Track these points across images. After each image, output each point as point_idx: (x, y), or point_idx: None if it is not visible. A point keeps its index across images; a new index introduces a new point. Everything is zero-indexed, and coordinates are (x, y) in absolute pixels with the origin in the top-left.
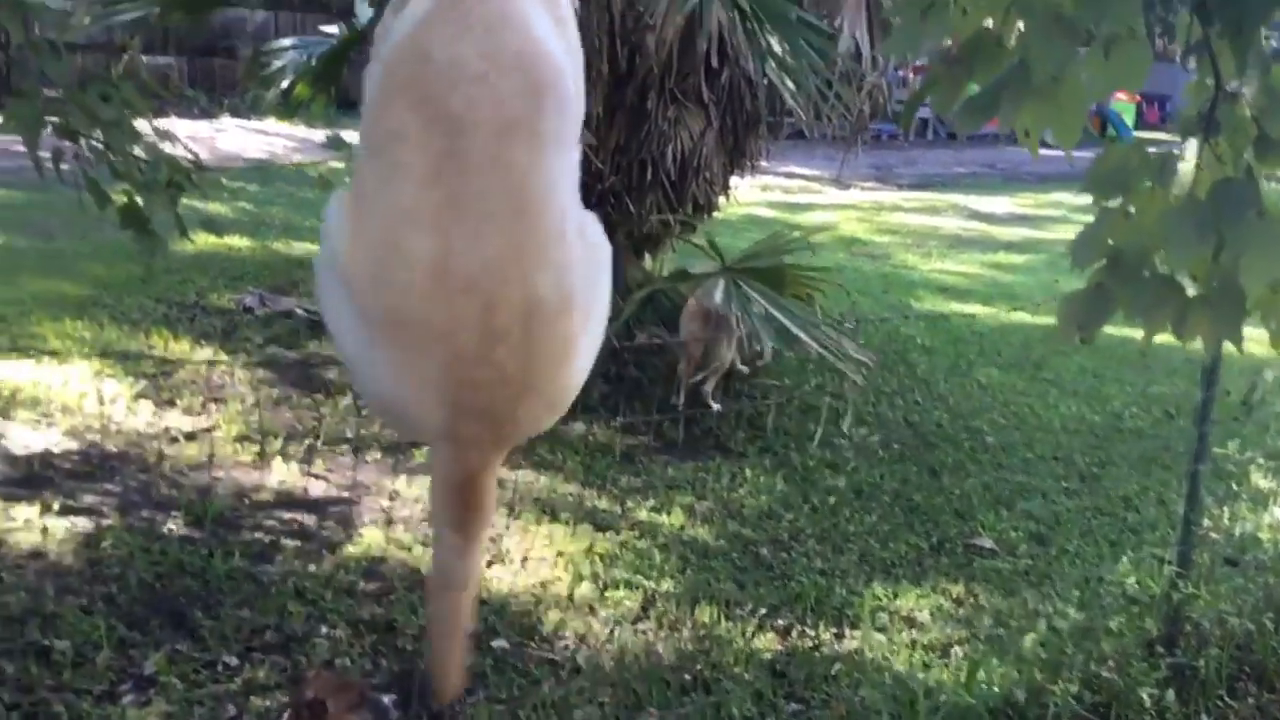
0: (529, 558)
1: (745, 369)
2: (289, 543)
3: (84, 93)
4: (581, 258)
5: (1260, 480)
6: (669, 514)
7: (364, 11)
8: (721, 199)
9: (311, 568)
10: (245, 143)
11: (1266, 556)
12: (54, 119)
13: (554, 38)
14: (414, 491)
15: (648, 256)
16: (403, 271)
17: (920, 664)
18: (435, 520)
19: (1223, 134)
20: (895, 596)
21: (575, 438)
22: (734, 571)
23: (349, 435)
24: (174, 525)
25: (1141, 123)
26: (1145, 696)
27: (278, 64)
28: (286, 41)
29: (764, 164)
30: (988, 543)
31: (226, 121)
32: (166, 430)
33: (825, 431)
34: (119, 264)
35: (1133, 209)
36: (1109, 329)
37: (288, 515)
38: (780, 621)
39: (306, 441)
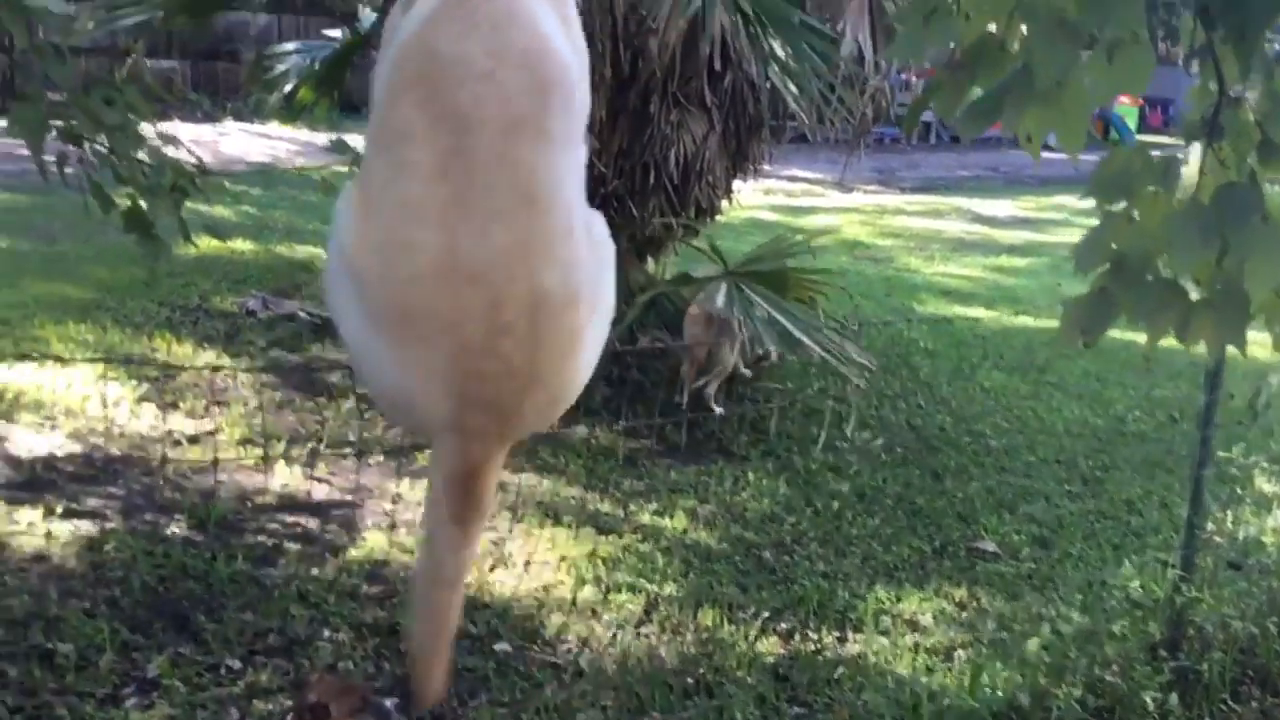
0: (531, 561)
1: (748, 372)
2: (292, 546)
3: (88, 97)
4: (588, 255)
5: (1264, 484)
6: (671, 517)
7: (367, 16)
8: (724, 202)
9: (314, 571)
10: (248, 146)
11: (1270, 560)
12: (58, 123)
13: (560, 35)
14: (417, 495)
15: (650, 260)
16: (409, 265)
17: (923, 667)
18: (432, 515)
19: (1226, 139)
20: (898, 600)
21: (578, 441)
22: (737, 575)
23: (352, 439)
24: (177, 528)
25: (1144, 126)
26: (1149, 700)
27: (281, 68)
28: (290, 45)
29: (767, 167)
30: (990, 546)
31: (229, 125)
32: (169, 433)
33: (828, 435)
34: (122, 267)
35: (1136, 213)
36: (1112, 332)
37: (291, 519)
38: (783, 625)
39: (309, 445)
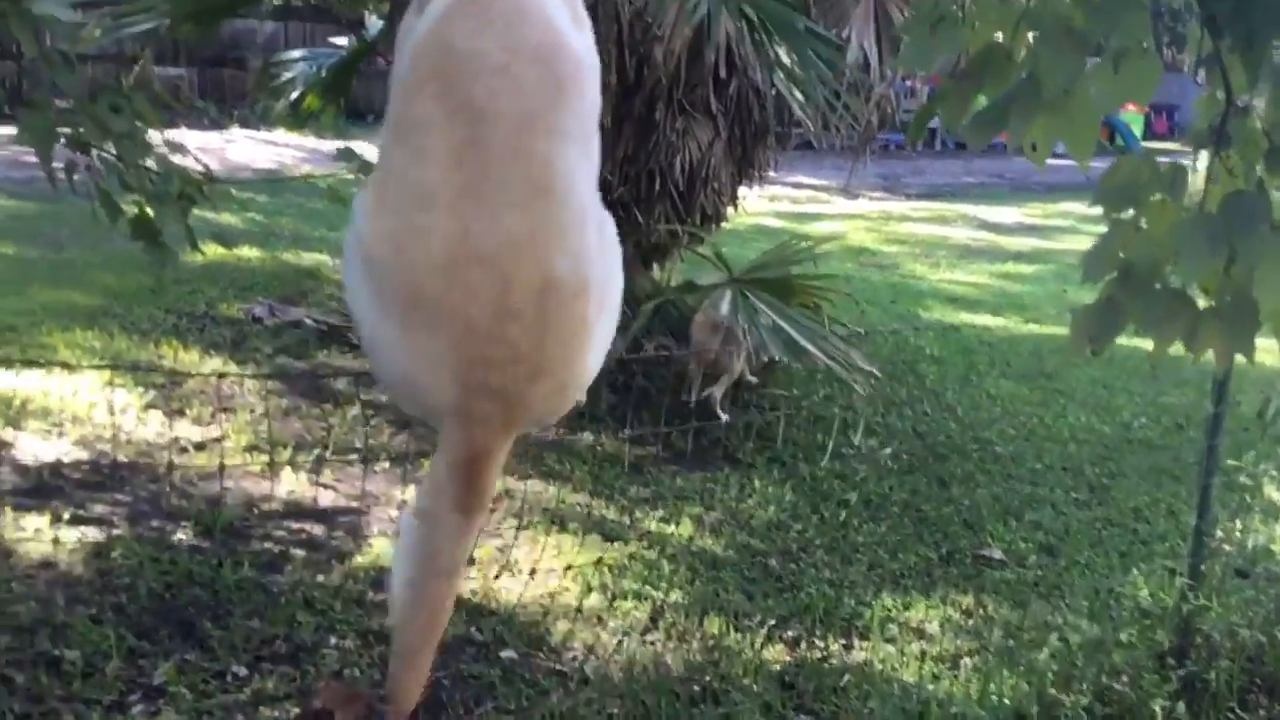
0: (537, 568)
1: (754, 379)
2: (298, 553)
3: (95, 104)
4: (599, 252)
5: (1273, 492)
6: (677, 525)
7: (373, 23)
8: (730, 209)
9: (320, 578)
10: (255, 153)
11: (1278, 568)
12: (66, 130)
13: (572, 30)
14: None
15: (656, 267)
16: (421, 249)
17: (930, 675)
18: (434, 502)
19: (1234, 147)
20: (905, 608)
21: (583, 448)
22: (743, 582)
23: (358, 445)
24: (183, 535)
25: (1150, 133)
26: (1157, 709)
27: (287, 75)
28: (296, 53)
29: (772, 174)
30: (997, 554)
31: (236, 132)
32: (176, 440)
33: (835, 442)
34: (129, 274)
35: (1144, 222)
36: (1119, 340)
37: (297, 525)
38: (789, 633)
39: (315, 451)
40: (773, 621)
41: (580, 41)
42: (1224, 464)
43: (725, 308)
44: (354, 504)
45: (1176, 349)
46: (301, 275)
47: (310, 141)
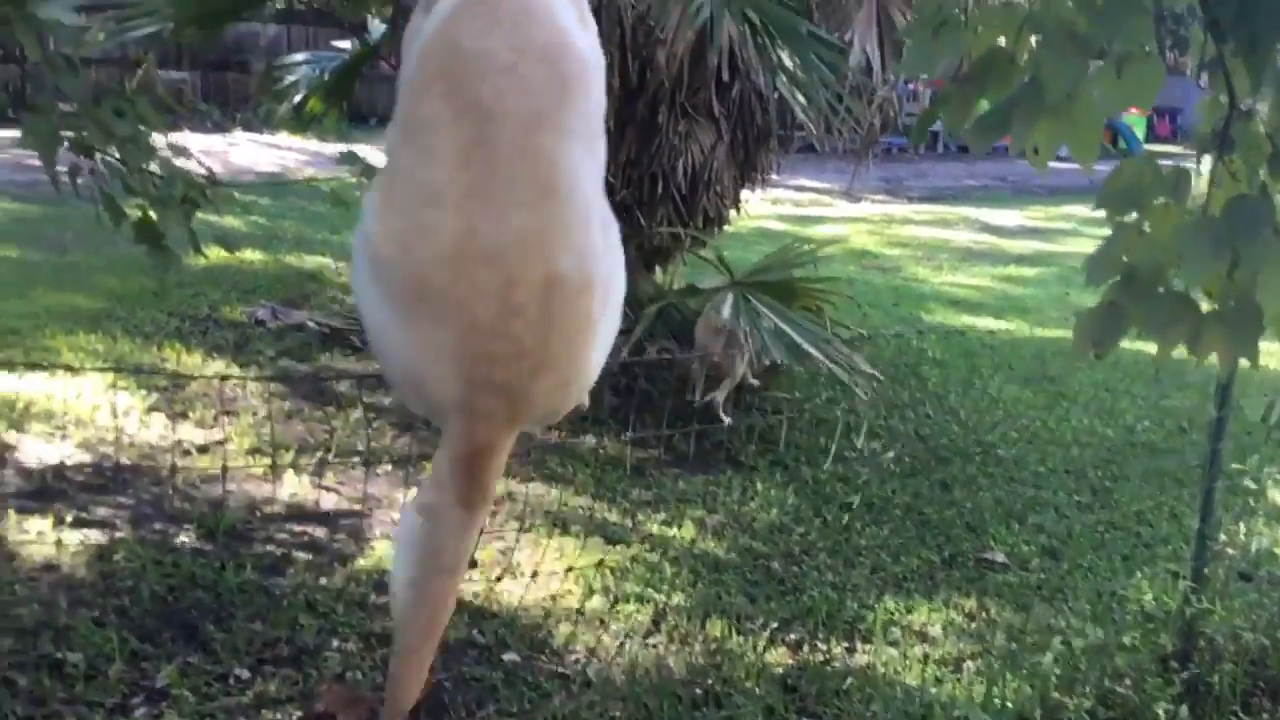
0: (539, 571)
1: (756, 382)
2: (301, 556)
3: (99, 108)
4: (604, 249)
5: (1277, 496)
6: (680, 527)
7: (376, 27)
8: (732, 212)
9: (323, 581)
10: (257, 156)
11: None
12: (69, 134)
13: (578, 30)
14: None
15: (658, 270)
16: (427, 246)
17: (932, 679)
18: (436, 497)
19: (1237, 151)
20: (907, 611)
21: (586, 451)
22: (745, 585)
23: (360, 448)
24: (186, 538)
25: (1152, 135)
26: (1160, 712)
27: (290, 78)
28: (299, 56)
29: (774, 177)
30: (1000, 557)
31: (239, 135)
32: (179, 443)
33: (837, 445)
34: (132, 278)
35: (1147, 226)
36: (1121, 343)
37: (299, 528)
38: (792, 636)
39: (318, 454)
40: (775, 624)
41: (586, 41)
42: (1227, 468)
43: (727, 311)
44: (356, 507)
45: (1180, 352)
46: (304, 278)
47: (313, 145)
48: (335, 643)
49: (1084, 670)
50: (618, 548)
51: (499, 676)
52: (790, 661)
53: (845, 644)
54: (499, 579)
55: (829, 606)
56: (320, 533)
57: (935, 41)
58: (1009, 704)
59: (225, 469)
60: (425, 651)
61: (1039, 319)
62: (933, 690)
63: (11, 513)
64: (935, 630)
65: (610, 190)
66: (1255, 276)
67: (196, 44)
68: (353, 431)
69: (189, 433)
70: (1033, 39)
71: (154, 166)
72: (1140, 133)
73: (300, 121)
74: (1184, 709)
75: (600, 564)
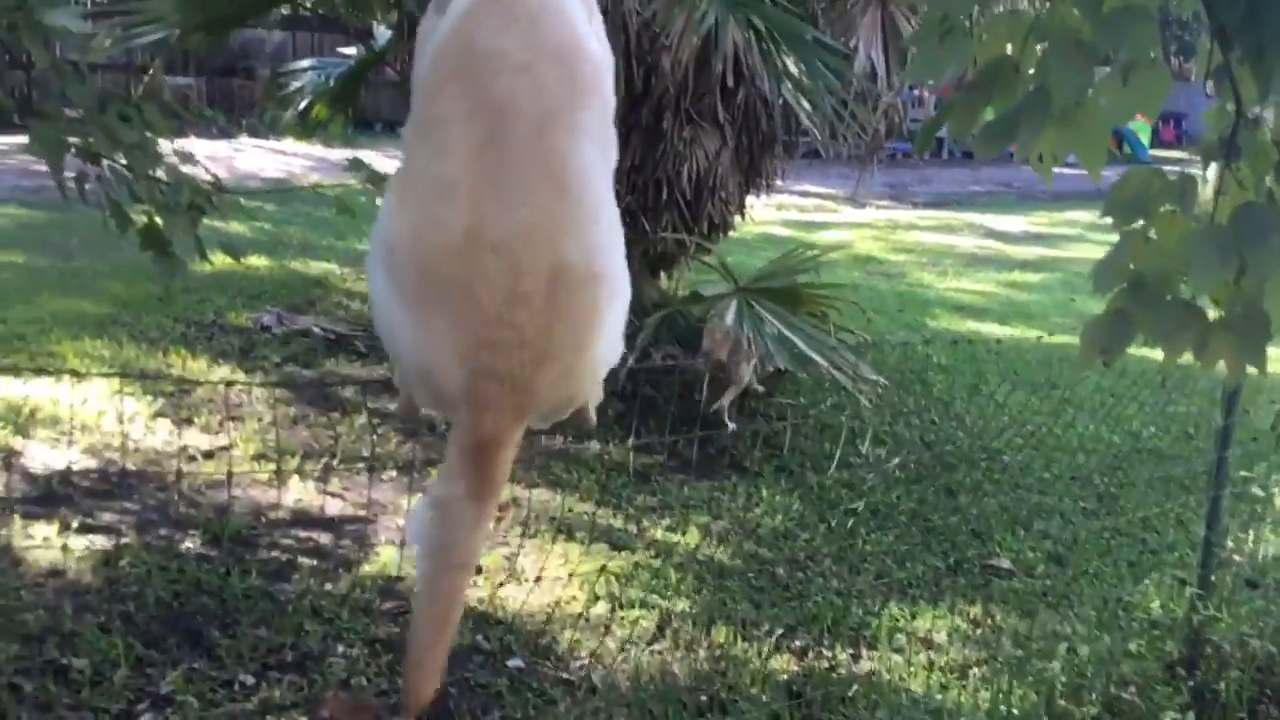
0: (544, 577)
1: (761, 388)
2: (305, 561)
3: (105, 114)
4: (613, 246)
5: None
6: (685, 533)
7: (382, 33)
8: (737, 218)
9: (328, 586)
10: (263, 162)
11: None
12: (76, 141)
13: (590, 32)
14: None
15: (663, 276)
16: (437, 237)
17: (938, 685)
18: (447, 490)
19: (1244, 159)
20: (912, 617)
21: (590, 457)
22: (750, 591)
23: (365, 454)
24: (191, 544)
25: (1157, 141)
26: None
27: (296, 85)
28: (304, 63)
29: (779, 183)
30: (1005, 563)
31: (244, 141)
32: (184, 449)
33: (842, 451)
34: (138, 283)
35: (1154, 233)
36: (1128, 349)
37: (304, 534)
38: (797, 642)
39: (323, 460)
40: (780, 631)
41: (596, 42)
42: (1234, 475)
43: (732, 317)
44: (361, 512)
45: (1186, 359)
46: (309, 284)
47: (318, 150)
48: (340, 648)
49: (1090, 677)
50: (622, 553)
51: (504, 683)
52: (795, 668)
53: (850, 650)
54: (503, 584)
55: (834, 613)
56: (325, 538)
57: (941, 49)
58: (1015, 711)
59: (230, 474)
60: (438, 649)
61: (1044, 325)
62: (938, 697)
63: (17, 518)
64: (940, 637)
65: (615, 196)
66: (1262, 284)
67: (202, 50)
68: (358, 437)
69: (194, 438)
70: (1039, 47)
71: (160, 173)
72: (1145, 138)
73: (306, 127)
74: (1191, 716)
75: (604, 570)
